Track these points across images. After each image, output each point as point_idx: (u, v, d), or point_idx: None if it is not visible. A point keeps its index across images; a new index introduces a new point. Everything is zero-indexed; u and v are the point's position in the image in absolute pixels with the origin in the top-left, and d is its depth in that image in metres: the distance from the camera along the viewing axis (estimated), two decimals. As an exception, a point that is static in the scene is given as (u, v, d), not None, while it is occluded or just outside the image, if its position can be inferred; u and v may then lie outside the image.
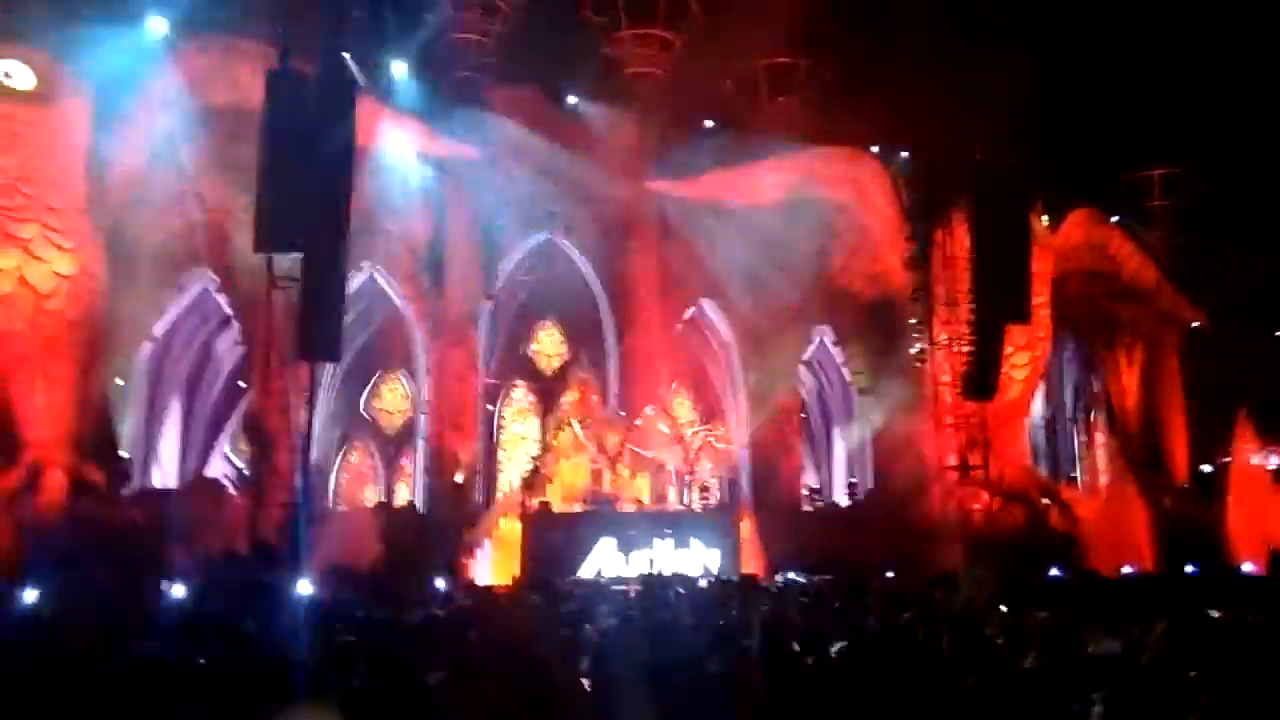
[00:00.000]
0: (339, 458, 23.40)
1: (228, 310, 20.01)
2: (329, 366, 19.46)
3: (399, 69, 19.53)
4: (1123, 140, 24.71)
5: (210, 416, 22.02)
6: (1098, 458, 28.03)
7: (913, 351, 23.66)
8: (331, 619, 9.46)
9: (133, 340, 19.43)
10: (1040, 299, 23.98)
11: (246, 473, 18.54)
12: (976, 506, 22.08)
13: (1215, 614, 9.35)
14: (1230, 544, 22.53)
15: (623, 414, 22.12)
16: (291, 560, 16.00)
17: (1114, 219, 26.72)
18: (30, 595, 13.82)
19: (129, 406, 19.69)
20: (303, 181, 15.30)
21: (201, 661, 6.11)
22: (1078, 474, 28.30)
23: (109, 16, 16.65)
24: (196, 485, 20.16)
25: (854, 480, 24.35)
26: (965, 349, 22.38)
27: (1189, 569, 20.08)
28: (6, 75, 16.19)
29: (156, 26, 17.22)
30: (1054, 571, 19.30)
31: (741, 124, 23.99)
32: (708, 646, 6.63)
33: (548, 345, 24.69)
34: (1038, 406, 27.02)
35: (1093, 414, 28.62)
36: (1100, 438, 28.14)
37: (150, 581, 14.50)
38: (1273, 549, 23.02)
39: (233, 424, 21.79)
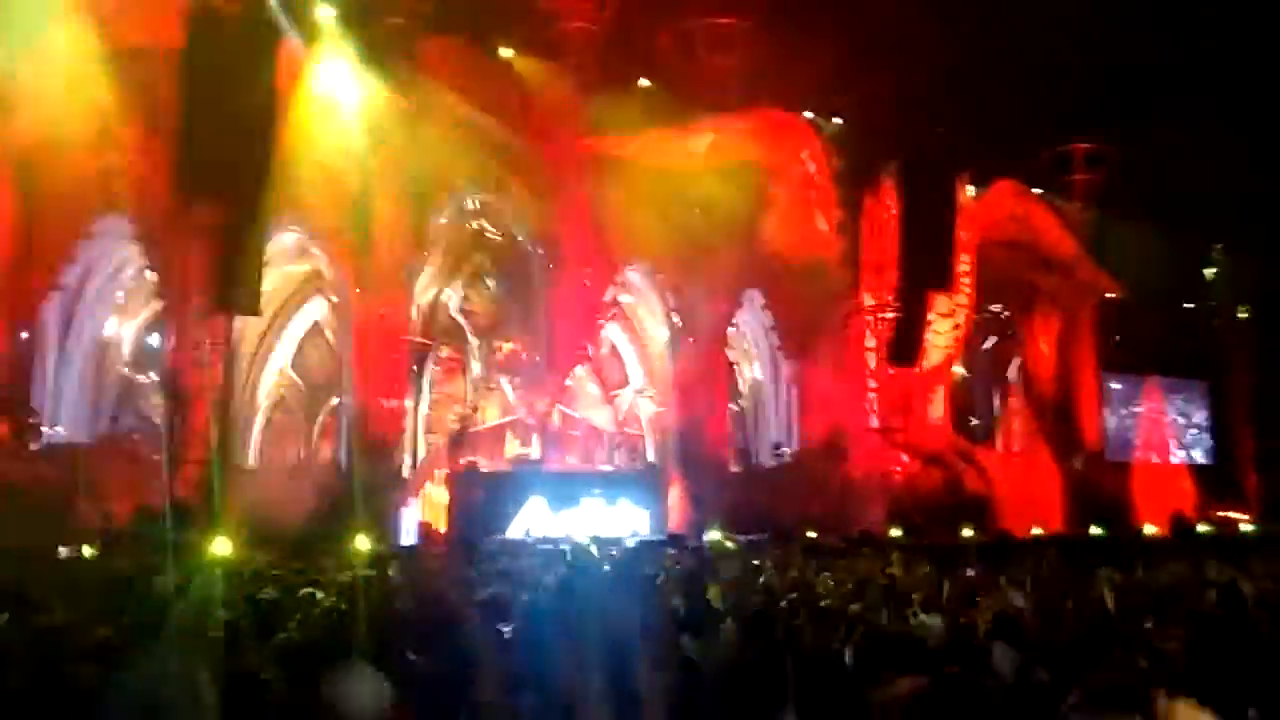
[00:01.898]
0: (261, 416, 22.82)
1: (143, 260, 19.24)
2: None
3: (326, 13, 18.84)
4: (1047, 114, 25.22)
5: (123, 370, 21.23)
6: (1013, 423, 28.88)
7: (839, 316, 23.98)
8: (251, 579, 9.27)
9: (42, 289, 18.59)
10: (964, 267, 24.52)
11: (161, 428, 17.96)
12: (896, 468, 22.61)
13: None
14: (1135, 507, 23.56)
15: (553, 375, 22.03)
16: (208, 519, 15.67)
17: (1036, 191, 27.38)
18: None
19: (38, 357, 18.90)
20: (224, 126, 14.77)
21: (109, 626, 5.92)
22: (994, 439, 29.13)
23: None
24: (108, 440, 19.53)
25: (780, 442, 24.68)
26: (890, 315, 22.81)
27: (1095, 530, 20.96)
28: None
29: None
30: (967, 532, 19.99)
31: (676, 84, 23.84)
32: (633, 602, 6.67)
33: (477, 304, 24.37)
34: (957, 371, 27.68)
35: (1009, 380, 29.43)
36: (1016, 404, 28.99)
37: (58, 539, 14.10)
38: (1174, 513, 24.18)
39: (148, 378, 21.06)
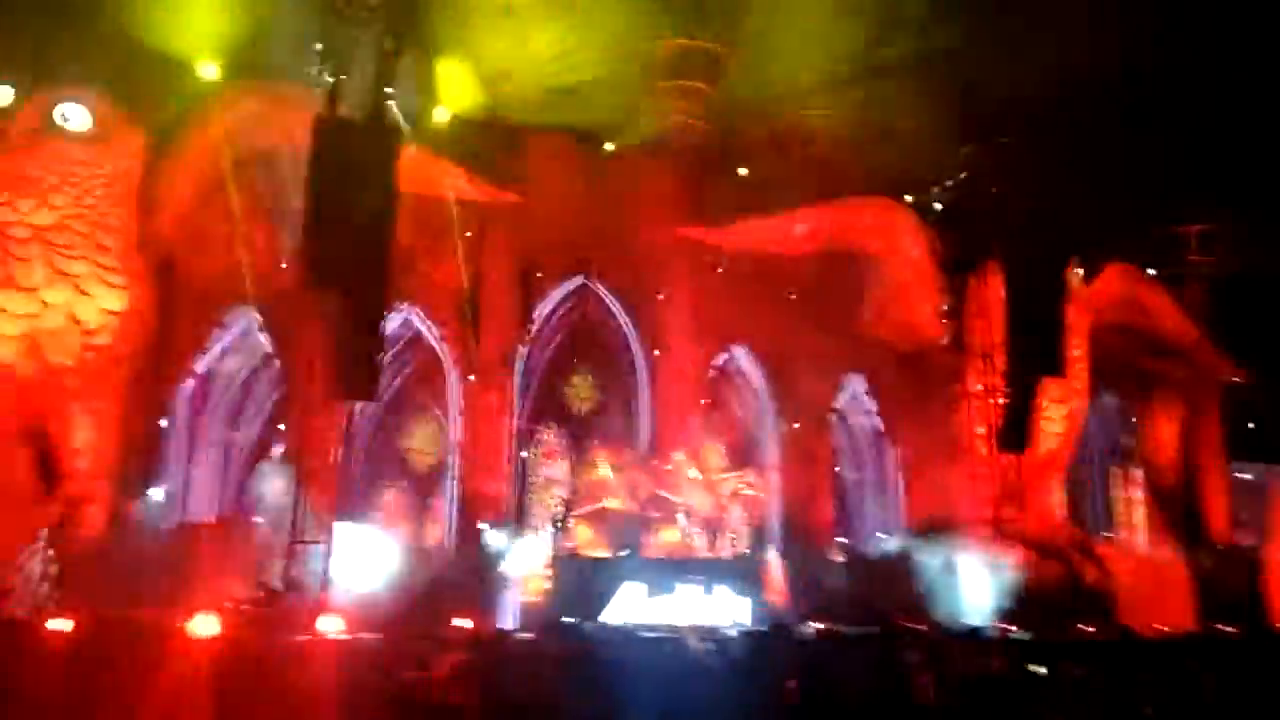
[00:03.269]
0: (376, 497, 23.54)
1: (268, 348, 20.37)
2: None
3: (442, 115, 19.97)
4: (1159, 195, 24.63)
5: (249, 453, 22.27)
6: (1134, 515, 27.57)
7: (946, 403, 23.53)
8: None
9: (176, 376, 19.81)
10: (1076, 352, 23.84)
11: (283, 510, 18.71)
12: (1010, 560, 21.76)
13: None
14: (1271, 605, 22.08)
15: (653, 459, 22.16)
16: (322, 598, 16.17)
17: (1150, 274, 26.60)
18: (65, 626, 14.05)
19: (170, 442, 20.03)
20: (347, 223, 15.66)
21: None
22: (1112, 531, 27.82)
23: (162, 60, 17.24)
24: (229, 521, 20.37)
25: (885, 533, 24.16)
26: (999, 401, 22.25)
27: (1228, 629, 19.67)
28: (63, 117, 16.74)
29: (208, 70, 17.80)
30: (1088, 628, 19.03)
31: (775, 172, 24.24)
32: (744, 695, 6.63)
33: (580, 389, 24.82)
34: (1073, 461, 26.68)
35: (1129, 470, 28.22)
36: (1137, 494, 27.71)
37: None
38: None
39: (272, 461, 22.02)
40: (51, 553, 15.83)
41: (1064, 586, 21.42)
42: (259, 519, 19.94)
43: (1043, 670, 9.80)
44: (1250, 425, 26.82)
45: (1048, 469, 23.90)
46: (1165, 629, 19.28)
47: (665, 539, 21.51)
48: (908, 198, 24.05)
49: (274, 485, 20.13)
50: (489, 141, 21.59)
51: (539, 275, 22.60)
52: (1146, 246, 26.73)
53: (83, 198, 16.81)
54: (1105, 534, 26.53)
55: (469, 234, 21.51)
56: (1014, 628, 18.91)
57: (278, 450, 20.84)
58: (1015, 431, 21.70)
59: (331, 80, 16.70)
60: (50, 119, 16.58)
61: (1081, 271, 24.71)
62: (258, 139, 18.35)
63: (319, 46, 16.84)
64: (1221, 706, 7.27)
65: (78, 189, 16.75)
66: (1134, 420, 27.85)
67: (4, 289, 16.09)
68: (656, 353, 23.22)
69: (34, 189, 16.41)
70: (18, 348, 16.20)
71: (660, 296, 23.19)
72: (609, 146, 23.17)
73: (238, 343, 21.08)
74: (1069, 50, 21.42)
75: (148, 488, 18.96)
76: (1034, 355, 21.63)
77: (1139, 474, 27.69)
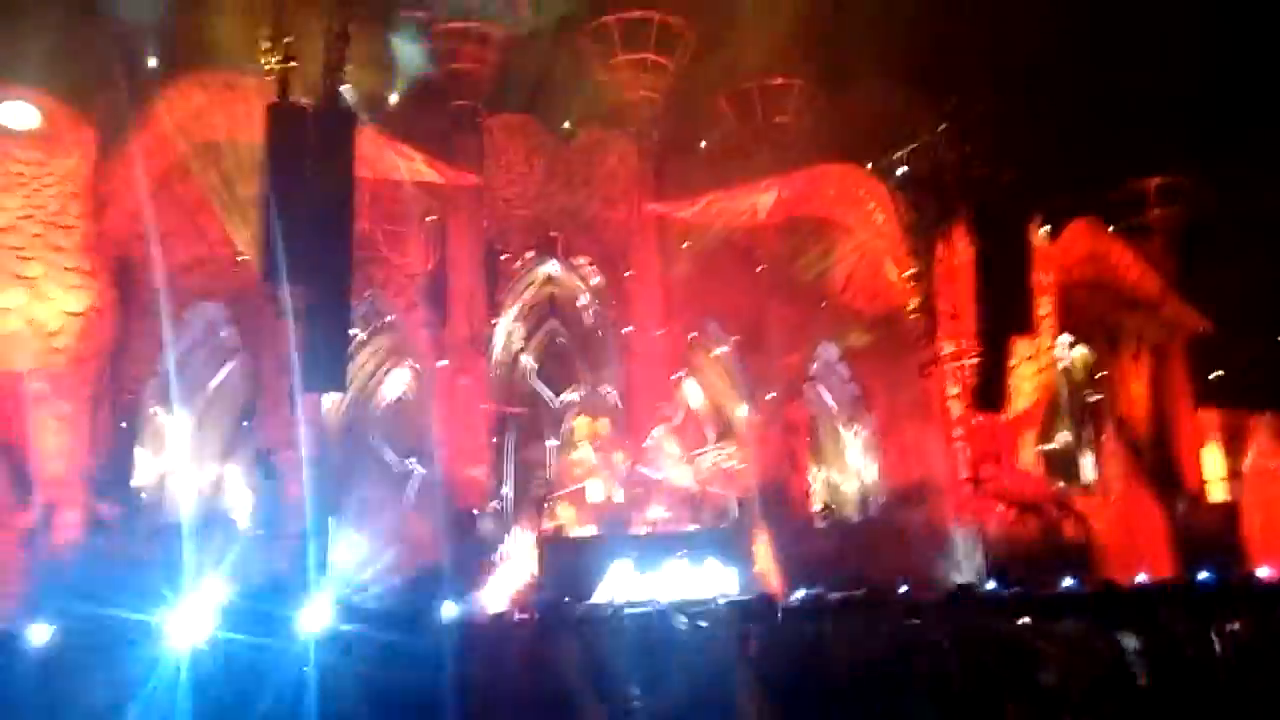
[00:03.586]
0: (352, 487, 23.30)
1: (234, 343, 20.04)
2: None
3: (397, 99, 19.66)
4: (1119, 151, 24.80)
5: (221, 448, 21.95)
6: (1108, 466, 27.89)
7: (918, 366, 23.62)
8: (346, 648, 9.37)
9: (141, 375, 19.44)
10: (1045, 310, 23.99)
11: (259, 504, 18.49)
12: (990, 518, 21.93)
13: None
14: (1246, 550, 22.40)
15: (632, 437, 22.11)
16: (305, 591, 15.96)
17: (1113, 229, 26.79)
18: (43, 633, 13.78)
19: (140, 440, 19.69)
20: (305, 213, 15.36)
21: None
22: (1088, 483, 28.14)
23: (109, 56, 16.82)
24: (210, 518, 20.09)
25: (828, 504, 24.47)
26: (971, 362, 22.35)
27: (1204, 576, 19.93)
28: (9, 116, 16.32)
29: (156, 65, 17.38)
30: (1068, 581, 19.21)
31: (738, 145, 24.14)
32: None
33: (554, 370, 24.68)
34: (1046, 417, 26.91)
35: (1102, 423, 28.52)
36: (1110, 446, 28.01)
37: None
38: (1289, 552, 22.86)
39: (244, 455, 21.74)
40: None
41: (1044, 542, 21.62)
42: (236, 516, 19.71)
43: (1027, 622, 9.83)
44: (1217, 373, 27.21)
45: (1022, 426, 24.08)
46: (1145, 579, 19.50)
47: (649, 515, 21.49)
48: (870, 164, 24.01)
49: (250, 481, 19.89)
50: (446, 123, 21.34)
51: (505, 256, 22.37)
52: (1108, 201, 26.93)
53: (32, 197, 16.46)
54: (1082, 487, 26.81)
55: (432, 218, 21.25)
56: (998, 585, 19.08)
57: (251, 445, 20.56)
58: (989, 391, 21.80)
59: (281, 67, 16.34)
60: (-4, 119, 16.17)
61: (1047, 229, 24.83)
62: (209, 130, 17.95)
63: (267, 32, 16.44)
64: (1201, 655, 7.31)
65: (27, 189, 16.39)
66: (1104, 374, 28.11)
67: (-44, 295, 15.70)
68: (627, 330, 23.10)
69: (-19, 191, 16.00)
70: (-24, 354, 15.84)
71: (628, 274, 23.05)
72: (567, 125, 22.97)
73: (201, 338, 20.71)
74: (1027, 8, 21.49)
75: (122, 489, 18.63)
76: (1004, 315, 21.69)
77: (1112, 427, 27.98)
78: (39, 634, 11.98)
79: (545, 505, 21.04)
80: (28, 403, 16.40)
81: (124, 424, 19.15)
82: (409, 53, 19.91)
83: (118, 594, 14.57)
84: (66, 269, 16.45)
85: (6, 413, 16.32)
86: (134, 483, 19.31)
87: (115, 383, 17.90)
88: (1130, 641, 8.69)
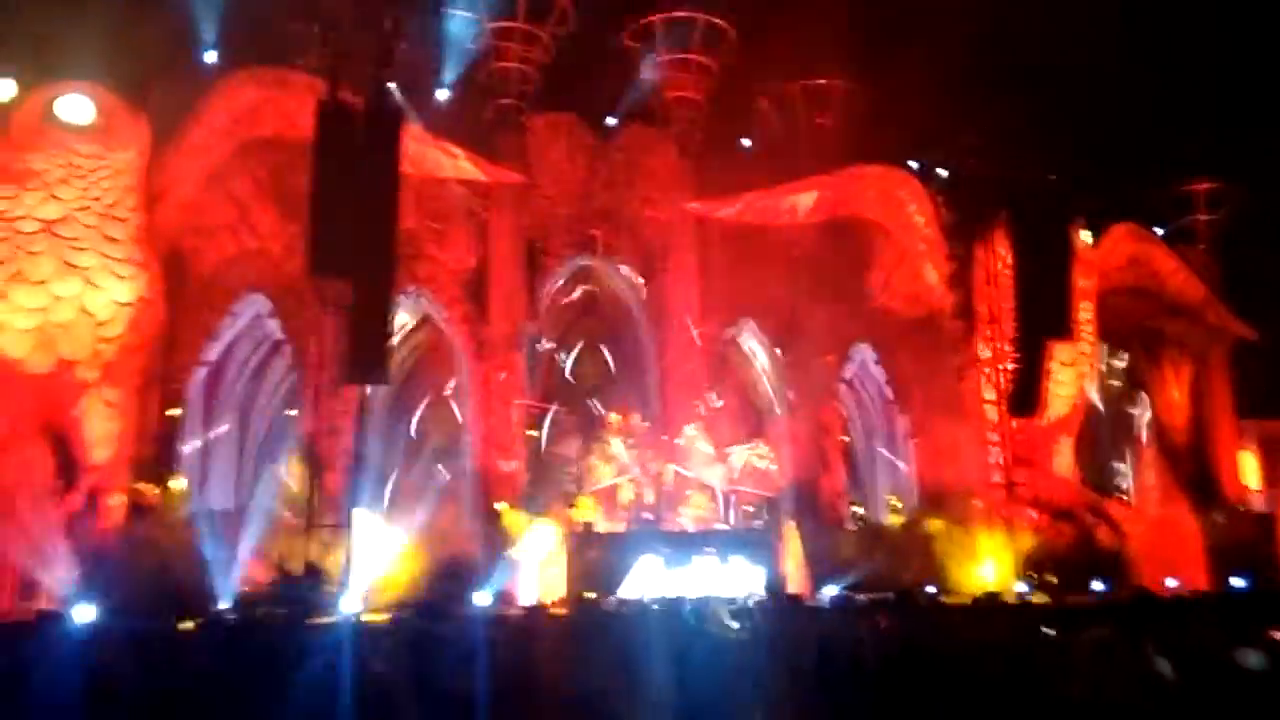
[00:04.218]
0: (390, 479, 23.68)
1: (279, 335, 20.45)
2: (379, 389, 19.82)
3: (443, 97, 19.95)
4: (1164, 155, 24.52)
5: (263, 439, 22.42)
6: (1146, 474, 27.63)
7: (954, 369, 23.55)
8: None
9: (188, 365, 19.91)
10: (1085, 315, 23.84)
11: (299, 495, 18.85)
12: (1023, 524, 21.84)
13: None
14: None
15: (664, 435, 22.26)
16: (341, 579, 16.35)
17: (1157, 233, 26.50)
18: (87, 614, 14.23)
19: (185, 430, 20.16)
20: (351, 208, 15.70)
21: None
22: (1126, 491, 27.91)
23: (164, 50, 17.23)
24: (246, 507, 20.54)
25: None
26: (1009, 366, 22.27)
27: (1239, 584, 19.75)
28: (66, 110, 16.74)
29: (210, 60, 17.79)
30: (1099, 588, 19.14)
31: (779, 145, 24.18)
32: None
33: (589, 367, 24.88)
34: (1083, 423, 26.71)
35: (1140, 430, 28.25)
36: (1148, 454, 27.75)
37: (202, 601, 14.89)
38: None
39: (285, 447, 22.16)
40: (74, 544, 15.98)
41: (1078, 548, 21.50)
42: (276, 506, 20.10)
43: (1053, 633, 9.85)
44: (1260, 382, 26.85)
45: (1058, 432, 23.94)
46: (1179, 588, 19.35)
47: (681, 512, 21.66)
48: (912, 165, 23.94)
49: (289, 472, 20.27)
50: (490, 121, 21.61)
51: (544, 254, 22.60)
52: (1153, 206, 26.64)
53: (88, 190, 16.81)
54: (1118, 494, 26.61)
55: (474, 215, 21.54)
56: (1029, 591, 19.05)
57: (292, 436, 20.96)
58: (1025, 396, 21.76)
59: (332, 65, 16.68)
60: (53, 112, 16.57)
61: (1088, 233, 24.62)
62: (260, 126, 18.33)
63: (319, 29, 16.80)
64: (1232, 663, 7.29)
65: (83, 181, 16.75)
66: (1144, 380, 27.83)
67: (14, 283, 16.13)
68: (664, 328, 23.23)
69: (39, 182, 16.41)
70: (31, 342, 16.26)
71: (667, 273, 23.19)
72: (611, 122, 23.14)
73: (248, 330, 21.16)
74: (1071, 9, 21.31)
75: (166, 477, 19.09)
76: (1042, 319, 21.64)
77: (1150, 434, 27.72)
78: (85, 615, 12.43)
79: (576, 501, 21.24)
80: (78, 390, 16.86)
81: (170, 412, 19.60)
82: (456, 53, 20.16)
83: (158, 580, 15.07)
84: (119, 260, 16.82)
85: (58, 399, 16.75)
86: (178, 470, 19.75)
87: (163, 372, 18.32)
88: (1160, 651, 8.71)
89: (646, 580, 18.79)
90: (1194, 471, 25.89)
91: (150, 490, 18.18)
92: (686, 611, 12.88)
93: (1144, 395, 28.00)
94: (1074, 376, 23.82)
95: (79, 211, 16.71)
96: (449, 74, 20.23)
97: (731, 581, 18.72)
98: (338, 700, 5.92)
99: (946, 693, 6.01)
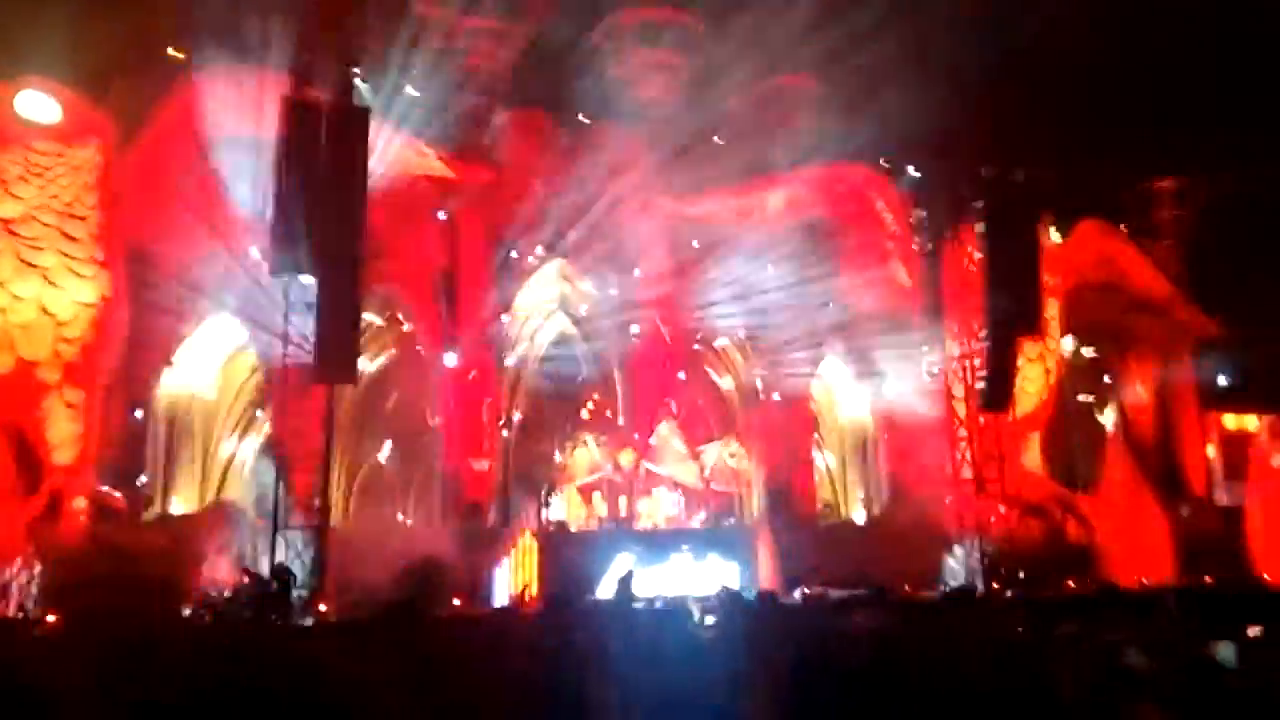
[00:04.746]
0: (359, 480, 23.48)
1: (247, 334, 20.17)
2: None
3: (411, 94, 19.77)
4: (1129, 152, 24.77)
5: (231, 439, 22.11)
6: (1113, 469, 27.93)
7: (925, 365, 23.70)
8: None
9: (154, 365, 19.60)
10: (1052, 311, 24.05)
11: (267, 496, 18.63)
12: (993, 519, 22.02)
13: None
14: (1251, 554, 22.46)
15: (636, 433, 22.23)
16: (311, 581, 16.17)
17: (1123, 229, 26.78)
18: (50, 619, 14.01)
19: (150, 432, 19.85)
20: (318, 207, 15.52)
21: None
22: (1093, 487, 28.18)
23: (127, 46, 16.94)
24: (214, 509, 20.28)
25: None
26: (978, 363, 22.44)
27: (1208, 579, 20.04)
28: (25, 106, 16.45)
29: (174, 57, 17.50)
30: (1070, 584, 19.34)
31: (749, 144, 24.19)
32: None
33: (561, 365, 24.80)
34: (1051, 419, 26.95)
35: (1107, 425, 28.53)
36: (1115, 449, 28.04)
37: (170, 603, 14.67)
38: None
39: (253, 446, 21.90)
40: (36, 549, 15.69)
41: (1046, 544, 21.70)
42: (243, 507, 19.87)
43: (1023, 630, 9.91)
44: (1224, 378, 27.23)
45: (1027, 428, 24.14)
46: (1147, 582, 19.60)
47: (653, 510, 21.66)
48: (881, 163, 24.06)
49: (255, 472, 20.05)
50: (459, 119, 21.43)
51: (515, 253, 22.49)
52: (1119, 203, 26.91)
53: (48, 187, 16.55)
54: (1086, 490, 26.88)
55: (443, 213, 21.38)
56: (998, 587, 19.20)
57: (261, 436, 20.73)
58: (996, 392, 21.93)
59: (298, 61, 16.49)
60: (12, 108, 16.28)
61: (1055, 230, 24.87)
62: (226, 122, 18.06)
63: (284, 25, 16.58)
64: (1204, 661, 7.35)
65: (43, 179, 16.49)
66: (1110, 376, 28.12)
67: (-29, 283, 15.84)
68: (635, 328, 23.20)
69: (-3, 181, 16.13)
70: (-10, 342, 15.98)
71: (638, 271, 23.14)
72: (582, 120, 23.06)
73: (214, 329, 20.84)
74: (1040, 9, 21.48)
75: (130, 479, 18.80)
76: (1011, 316, 21.82)
77: (1117, 429, 28.00)
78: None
79: (549, 500, 21.16)
80: (39, 391, 16.57)
81: (136, 414, 19.30)
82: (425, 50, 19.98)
83: (123, 583, 14.83)
84: (80, 259, 16.56)
85: (19, 401, 16.45)
86: (144, 472, 19.46)
87: (127, 373, 18.02)
88: (1130, 645, 8.78)
89: (621, 579, 18.72)
90: (1160, 466, 26.19)
91: (115, 493, 17.90)
92: (661, 610, 12.90)
93: (1110, 390, 28.27)
94: (1041, 373, 24.02)
95: (37, 210, 16.44)
96: (418, 71, 20.03)
97: (706, 579, 18.74)
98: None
99: (922, 690, 5.99)
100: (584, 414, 23.02)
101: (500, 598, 18.75)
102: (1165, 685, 6.28)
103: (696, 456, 22.39)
